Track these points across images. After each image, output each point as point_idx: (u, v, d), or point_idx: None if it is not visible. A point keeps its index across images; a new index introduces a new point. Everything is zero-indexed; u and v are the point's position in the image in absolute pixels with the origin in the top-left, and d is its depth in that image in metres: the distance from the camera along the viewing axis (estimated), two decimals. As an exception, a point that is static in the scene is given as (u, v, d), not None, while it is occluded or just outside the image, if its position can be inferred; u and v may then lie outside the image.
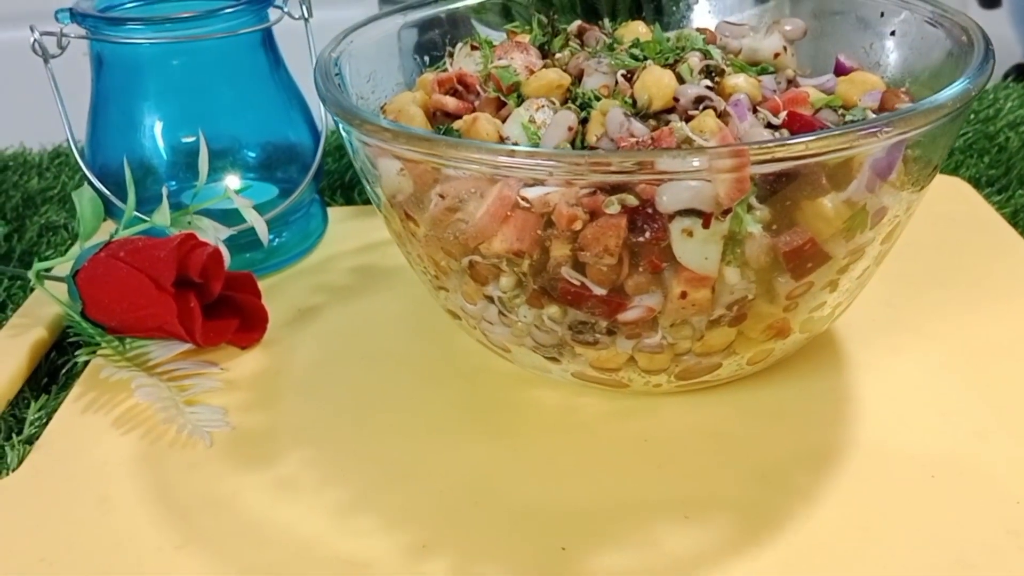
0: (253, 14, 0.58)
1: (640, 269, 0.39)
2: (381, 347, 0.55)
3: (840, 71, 0.53)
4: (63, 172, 0.81)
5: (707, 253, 0.39)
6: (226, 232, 0.56)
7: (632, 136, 0.42)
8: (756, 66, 0.52)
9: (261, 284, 0.58)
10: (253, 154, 0.65)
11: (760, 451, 0.45)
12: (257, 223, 0.56)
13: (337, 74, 0.47)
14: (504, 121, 0.47)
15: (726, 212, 0.37)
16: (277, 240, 0.62)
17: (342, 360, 0.54)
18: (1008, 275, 0.57)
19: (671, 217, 0.38)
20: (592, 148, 0.43)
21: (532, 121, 0.45)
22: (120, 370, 0.52)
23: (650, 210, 0.38)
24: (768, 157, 0.35)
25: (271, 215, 0.60)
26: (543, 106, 0.46)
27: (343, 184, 0.76)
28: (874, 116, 0.46)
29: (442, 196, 0.40)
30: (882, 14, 0.52)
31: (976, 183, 0.69)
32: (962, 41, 0.48)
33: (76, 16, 0.57)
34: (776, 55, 0.54)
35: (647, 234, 0.38)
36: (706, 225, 0.38)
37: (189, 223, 0.56)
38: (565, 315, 0.42)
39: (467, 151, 0.38)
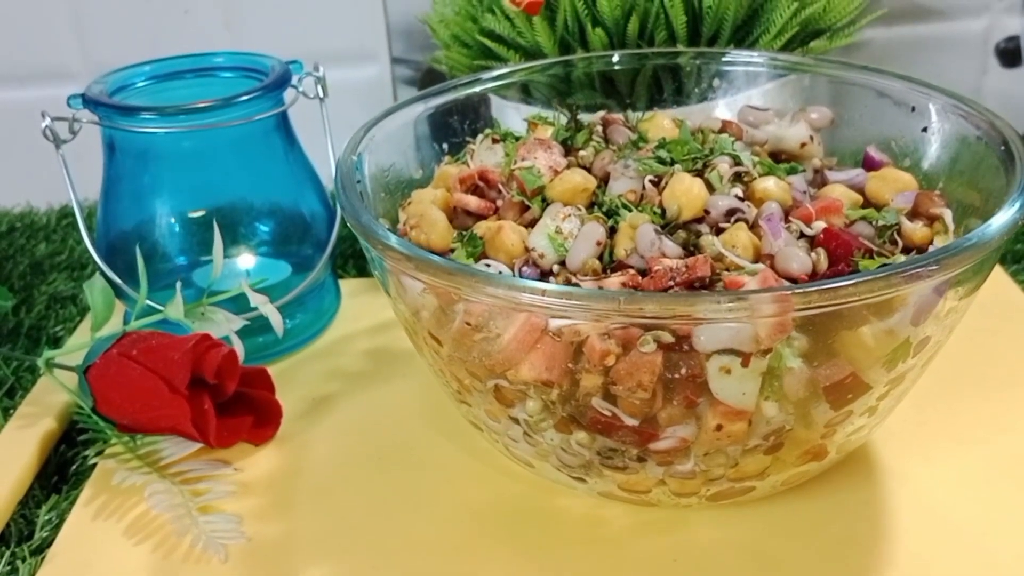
0: (269, 99, 0.57)
1: (674, 402, 0.38)
2: (398, 445, 0.53)
3: (870, 165, 0.52)
4: (70, 235, 0.80)
5: (745, 389, 0.37)
6: (239, 323, 0.55)
7: (664, 255, 0.41)
8: (782, 162, 0.51)
9: (273, 369, 0.56)
10: (266, 229, 0.64)
11: (796, 574, 0.43)
12: (272, 315, 0.55)
13: (359, 181, 0.45)
14: (528, 225, 0.46)
15: (766, 351, 0.36)
16: (290, 323, 0.61)
17: (358, 460, 0.52)
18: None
19: (708, 355, 0.36)
20: (622, 265, 0.42)
21: (559, 232, 0.44)
22: (132, 473, 0.51)
23: (686, 347, 0.36)
24: (810, 304, 0.34)
25: (286, 300, 0.59)
26: (569, 215, 0.44)
27: (355, 253, 0.74)
28: (909, 221, 0.45)
29: (468, 323, 0.39)
30: (913, 108, 0.51)
31: (1001, 260, 0.67)
32: (995, 137, 0.46)
33: (88, 103, 0.55)
34: (802, 144, 0.52)
35: (683, 370, 0.37)
36: (745, 364, 0.36)
37: (202, 314, 0.55)
38: (594, 441, 0.41)
39: (495, 287, 0.36)
